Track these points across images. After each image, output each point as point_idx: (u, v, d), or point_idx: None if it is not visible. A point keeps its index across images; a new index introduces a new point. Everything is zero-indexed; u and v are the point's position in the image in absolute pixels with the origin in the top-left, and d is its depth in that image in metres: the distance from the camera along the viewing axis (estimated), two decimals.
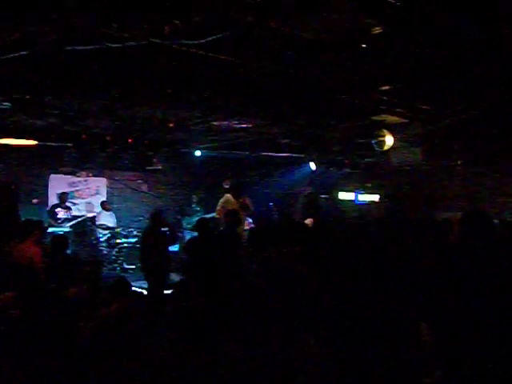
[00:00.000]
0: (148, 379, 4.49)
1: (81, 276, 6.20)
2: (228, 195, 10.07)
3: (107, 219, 13.47)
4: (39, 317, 5.09)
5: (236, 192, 10.03)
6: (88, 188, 14.52)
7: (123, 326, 5.14)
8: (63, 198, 12.96)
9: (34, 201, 12.54)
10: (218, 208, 10.01)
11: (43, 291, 5.58)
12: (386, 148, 9.39)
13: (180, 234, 12.34)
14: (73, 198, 13.59)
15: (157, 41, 4.88)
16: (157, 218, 8.90)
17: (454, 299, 4.24)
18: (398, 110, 8.35)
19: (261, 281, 5.61)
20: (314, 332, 4.66)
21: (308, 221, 12.05)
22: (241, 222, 8.81)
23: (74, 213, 13.04)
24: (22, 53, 5.26)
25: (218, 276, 6.28)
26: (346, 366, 4.35)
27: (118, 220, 13.79)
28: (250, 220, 12.85)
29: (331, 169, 13.74)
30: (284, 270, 5.70)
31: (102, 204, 13.80)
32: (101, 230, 13.18)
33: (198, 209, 14.03)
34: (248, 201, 10.19)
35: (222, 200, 10.06)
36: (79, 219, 12.78)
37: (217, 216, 9.93)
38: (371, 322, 4.66)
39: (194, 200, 14.47)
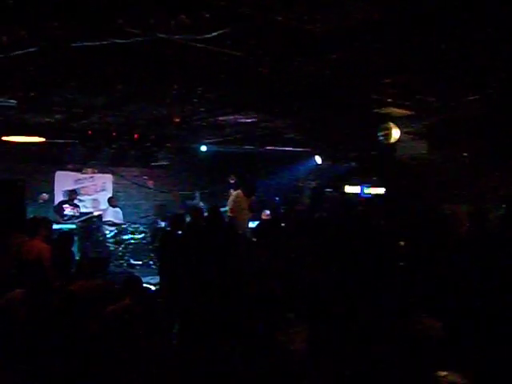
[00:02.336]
0: (149, 374, 4.52)
1: (87, 272, 6.21)
2: (237, 192, 10.04)
3: (114, 215, 13.48)
4: (47, 313, 5.11)
5: (247, 190, 9.98)
6: (94, 184, 14.55)
7: (131, 322, 5.15)
8: (71, 195, 12.97)
9: (45, 196, 12.53)
10: (230, 207, 9.99)
11: (51, 287, 5.60)
12: (392, 141, 9.36)
13: None
14: (79, 194, 13.60)
15: (163, 36, 4.86)
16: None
17: (468, 293, 4.24)
18: (403, 102, 8.31)
19: (262, 273, 5.61)
20: (312, 326, 4.67)
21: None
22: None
23: (81, 210, 13.06)
24: (28, 50, 5.26)
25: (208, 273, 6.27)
26: (345, 362, 4.35)
27: (124, 216, 13.81)
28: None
29: (337, 162, 13.74)
30: (288, 261, 5.71)
31: (110, 200, 13.81)
32: (107, 227, 13.20)
33: (202, 204, 14.02)
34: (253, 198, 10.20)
35: (231, 198, 10.03)
36: (85, 216, 12.79)
37: (229, 214, 9.87)
38: (371, 316, 4.66)
39: (197, 196, 14.46)
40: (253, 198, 10.07)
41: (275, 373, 4.21)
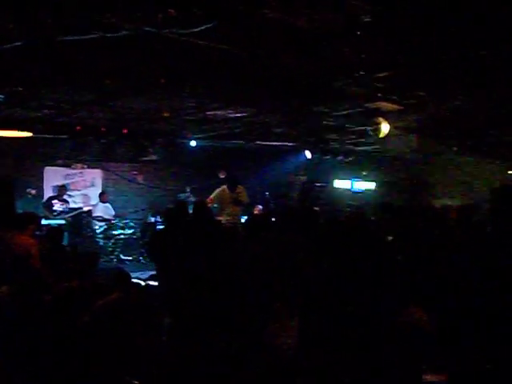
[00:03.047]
0: (143, 368, 4.52)
1: (77, 268, 6.19)
2: (224, 187, 10.02)
3: (104, 211, 13.44)
4: (37, 309, 5.09)
5: (231, 184, 9.95)
6: (83, 180, 14.49)
7: (121, 316, 5.14)
8: (61, 191, 12.92)
9: (32, 191, 12.47)
10: (211, 197, 9.96)
11: (41, 283, 5.57)
12: (381, 135, 9.38)
13: None
14: (68, 189, 13.55)
15: (151, 29, 4.84)
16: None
17: (458, 287, 4.25)
18: (393, 97, 8.32)
19: (253, 268, 5.60)
20: (303, 320, 4.67)
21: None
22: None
23: (70, 205, 13.01)
24: (15, 44, 5.22)
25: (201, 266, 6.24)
26: (336, 357, 4.36)
27: (114, 211, 13.76)
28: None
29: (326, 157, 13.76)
30: (279, 256, 5.70)
31: (101, 195, 13.75)
32: (97, 222, 13.16)
33: (192, 200, 13.98)
34: (243, 192, 10.15)
35: (216, 190, 10.02)
36: (75, 212, 12.75)
37: (208, 203, 9.83)
38: (361, 310, 4.67)
39: (188, 191, 14.45)
40: (239, 191, 10.00)
41: (266, 367, 4.22)
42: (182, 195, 14.20)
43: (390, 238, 6.25)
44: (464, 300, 4.37)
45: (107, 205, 13.66)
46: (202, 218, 7.53)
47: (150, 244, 8.34)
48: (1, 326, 4.96)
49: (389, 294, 4.75)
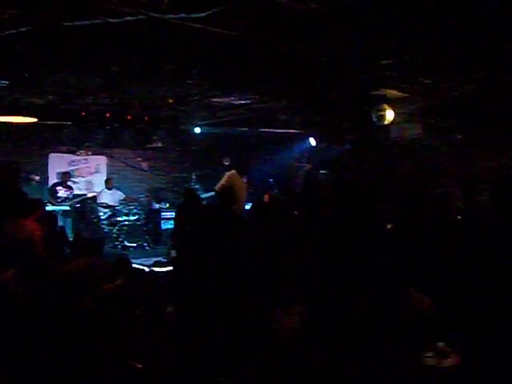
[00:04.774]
0: (145, 354, 4.54)
1: (84, 251, 6.22)
2: (233, 171, 9.99)
3: (109, 197, 13.42)
4: (40, 293, 5.11)
5: (240, 169, 9.93)
6: (88, 166, 14.48)
7: (125, 302, 5.17)
8: (65, 177, 12.94)
9: (36, 177, 12.48)
10: (223, 182, 9.91)
11: (44, 268, 5.60)
12: (386, 122, 9.36)
13: None
14: (73, 176, 13.56)
15: (156, 15, 4.83)
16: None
17: (459, 273, 4.25)
18: (398, 84, 8.31)
19: (257, 253, 5.61)
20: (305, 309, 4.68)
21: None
22: (235, 201, 8.65)
23: (75, 192, 13.03)
24: (20, 29, 5.23)
25: (211, 250, 6.26)
26: (335, 339, 4.37)
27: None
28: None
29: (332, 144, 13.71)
30: (280, 242, 5.72)
31: (107, 181, 13.72)
32: (101, 209, 13.17)
33: (197, 186, 13.98)
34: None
35: (227, 174, 9.95)
36: (79, 198, 12.78)
37: (217, 190, 9.79)
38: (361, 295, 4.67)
39: (194, 178, 14.43)
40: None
41: (268, 356, 4.23)
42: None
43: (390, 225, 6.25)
44: (465, 295, 4.36)
45: (113, 191, 13.63)
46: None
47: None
48: (5, 309, 4.99)
49: (389, 280, 4.76)
